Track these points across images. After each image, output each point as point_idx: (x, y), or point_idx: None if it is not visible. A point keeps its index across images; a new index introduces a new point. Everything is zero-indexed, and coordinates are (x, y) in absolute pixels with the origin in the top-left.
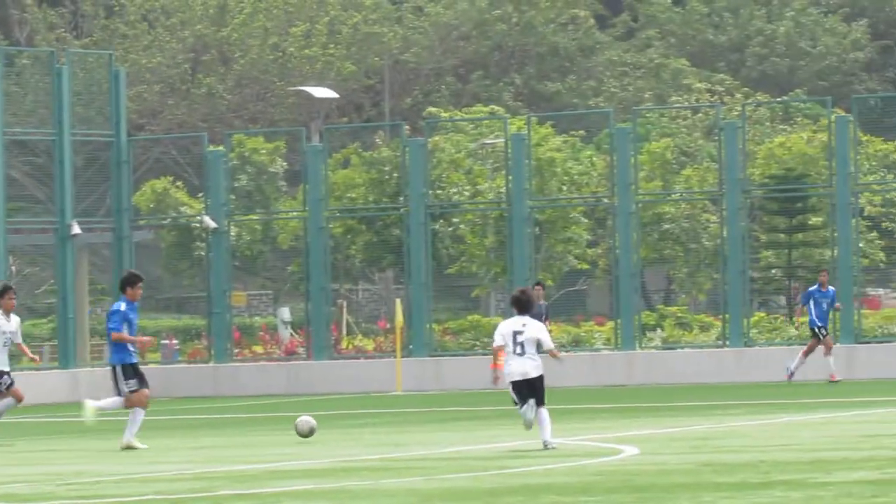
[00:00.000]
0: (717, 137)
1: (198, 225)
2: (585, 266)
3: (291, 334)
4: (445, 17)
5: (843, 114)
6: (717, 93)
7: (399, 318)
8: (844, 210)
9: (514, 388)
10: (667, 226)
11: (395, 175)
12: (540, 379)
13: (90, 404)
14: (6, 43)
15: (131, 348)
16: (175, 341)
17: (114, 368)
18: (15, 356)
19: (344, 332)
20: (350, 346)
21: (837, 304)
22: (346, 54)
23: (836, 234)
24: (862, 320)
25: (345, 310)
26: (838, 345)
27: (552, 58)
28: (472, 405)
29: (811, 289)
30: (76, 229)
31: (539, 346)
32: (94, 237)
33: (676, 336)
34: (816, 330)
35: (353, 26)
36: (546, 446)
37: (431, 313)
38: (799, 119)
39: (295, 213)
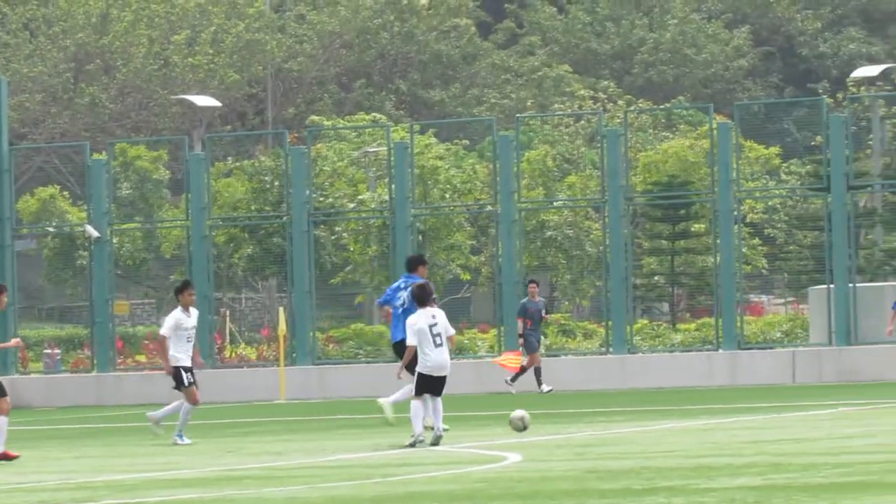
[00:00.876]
0: (599, 145)
1: (80, 233)
2: (468, 276)
3: None
4: (329, 25)
5: (726, 120)
6: (600, 100)
7: (282, 326)
8: (727, 217)
9: (422, 382)
10: (550, 233)
11: (277, 184)
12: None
13: None
14: None
15: None
16: (58, 351)
17: None
18: None
19: (227, 340)
20: (233, 355)
21: None
22: (229, 63)
23: (718, 241)
24: (745, 327)
25: (228, 318)
26: (721, 351)
27: (435, 65)
28: (355, 413)
29: None
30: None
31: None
32: None
33: (560, 343)
34: None
35: (237, 35)
36: (436, 435)
37: (315, 321)
38: (681, 126)
39: (178, 222)
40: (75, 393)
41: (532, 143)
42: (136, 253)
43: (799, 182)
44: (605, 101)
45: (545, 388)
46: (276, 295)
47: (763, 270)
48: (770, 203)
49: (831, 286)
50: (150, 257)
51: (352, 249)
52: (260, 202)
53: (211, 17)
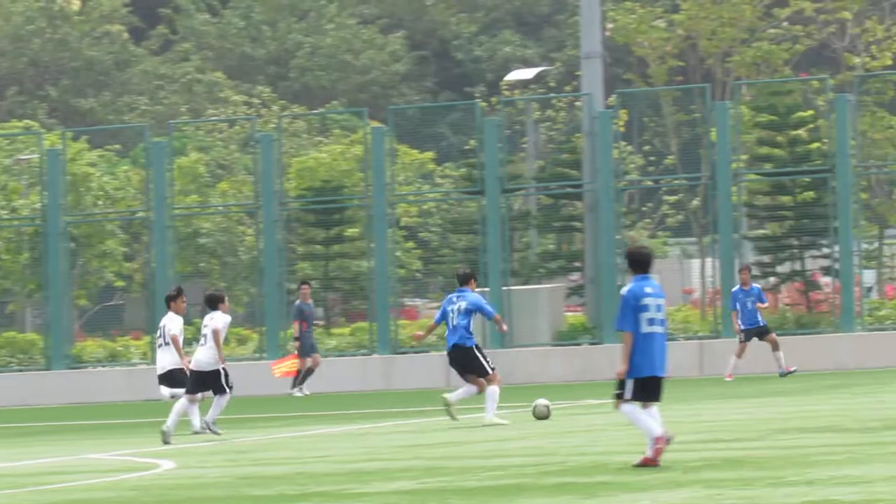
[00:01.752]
0: (253, 150)
1: None
2: (121, 283)
3: None
4: None
5: (380, 125)
6: (255, 105)
7: None
8: (381, 221)
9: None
10: (203, 240)
11: None
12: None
13: None
14: None
15: None
16: None
17: None
18: None
19: None
20: None
21: (760, 304)
22: None
23: (373, 245)
24: (399, 331)
25: None
26: (376, 356)
27: (87, 72)
28: (13, 421)
29: (734, 290)
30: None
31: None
32: None
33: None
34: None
35: None
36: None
37: None
38: (336, 131)
39: None
40: None
41: (185, 150)
42: None
43: (454, 185)
44: (260, 106)
45: (306, 391)
46: None
47: (417, 273)
48: (425, 207)
49: (486, 289)
50: None
51: (4, 258)
52: None
53: None
